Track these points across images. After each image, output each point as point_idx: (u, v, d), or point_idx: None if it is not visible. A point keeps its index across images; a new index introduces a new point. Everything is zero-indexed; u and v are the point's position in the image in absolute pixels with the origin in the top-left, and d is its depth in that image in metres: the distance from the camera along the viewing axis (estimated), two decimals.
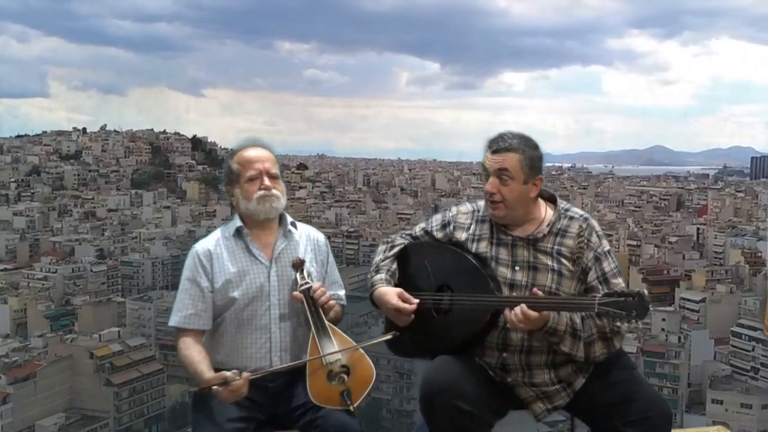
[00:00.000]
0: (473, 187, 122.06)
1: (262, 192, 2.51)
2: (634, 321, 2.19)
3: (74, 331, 61.90)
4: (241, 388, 2.30)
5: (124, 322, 66.38)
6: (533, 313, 2.24)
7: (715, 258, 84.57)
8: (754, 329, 57.80)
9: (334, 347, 2.41)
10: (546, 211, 2.47)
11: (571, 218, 2.45)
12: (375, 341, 2.50)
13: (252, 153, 2.57)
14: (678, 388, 52.72)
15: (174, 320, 2.52)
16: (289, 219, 2.64)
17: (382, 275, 2.55)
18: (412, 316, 2.47)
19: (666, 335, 57.75)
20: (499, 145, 2.39)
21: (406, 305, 2.44)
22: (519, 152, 2.38)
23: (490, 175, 2.39)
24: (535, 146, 2.42)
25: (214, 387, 2.29)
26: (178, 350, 2.50)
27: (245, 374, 2.31)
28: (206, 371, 2.38)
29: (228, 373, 2.29)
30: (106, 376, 53.65)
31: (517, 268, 2.41)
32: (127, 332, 61.51)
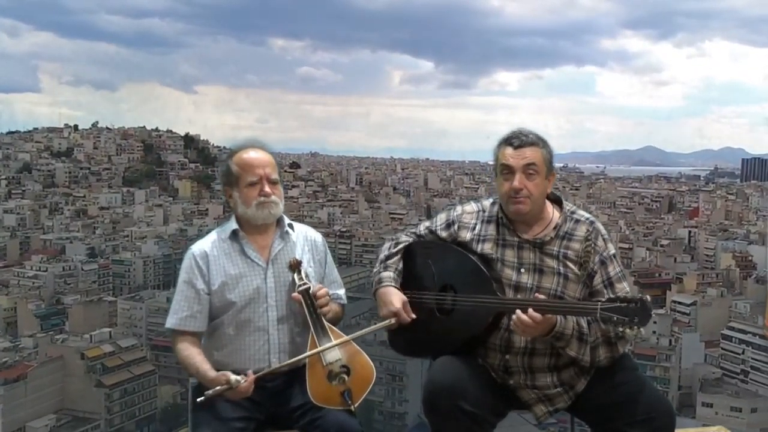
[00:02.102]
0: (465, 187, 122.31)
1: (261, 198, 2.49)
2: (636, 327, 2.17)
3: (65, 330, 61.58)
4: (248, 390, 2.31)
5: (115, 321, 66.10)
6: (538, 315, 2.23)
7: (707, 261, 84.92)
8: (745, 332, 58.13)
9: (334, 347, 2.41)
10: (553, 213, 2.46)
11: (577, 221, 2.44)
12: (376, 328, 2.51)
13: (253, 156, 2.54)
14: (668, 391, 52.82)
15: (170, 322, 2.51)
16: (287, 220, 2.62)
17: (390, 273, 2.55)
18: (398, 324, 2.47)
19: (657, 338, 57.85)
20: (521, 140, 2.38)
21: (405, 315, 2.46)
22: (540, 146, 2.39)
23: (516, 171, 2.36)
24: (547, 142, 2.43)
25: (218, 389, 2.29)
26: (176, 352, 2.49)
27: (250, 374, 2.32)
28: (209, 370, 2.38)
29: (232, 377, 2.29)
30: (97, 377, 53.41)
31: (522, 270, 2.40)
32: (118, 332, 61.20)
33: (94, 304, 66.40)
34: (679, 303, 67.29)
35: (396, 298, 2.47)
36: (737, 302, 64.94)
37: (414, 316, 2.46)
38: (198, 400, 2.30)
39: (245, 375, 2.32)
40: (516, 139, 2.38)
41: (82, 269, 77.20)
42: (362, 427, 2.39)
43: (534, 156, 2.36)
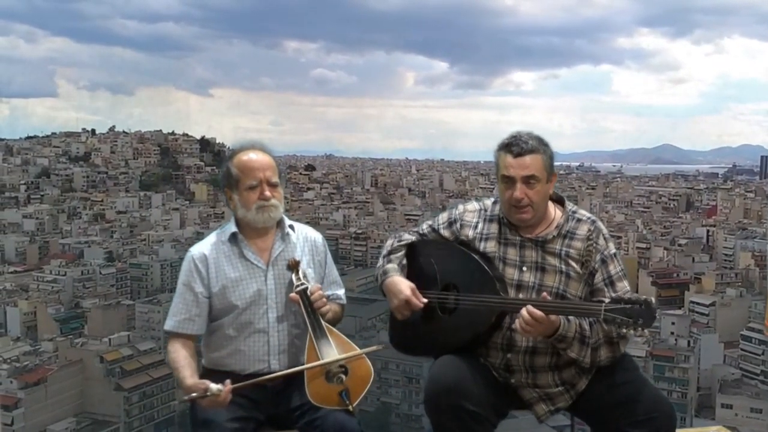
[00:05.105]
0: (481, 188, 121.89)
1: (261, 202, 2.50)
2: (640, 328, 2.18)
3: (84, 334, 62.09)
4: (225, 401, 2.29)
5: (134, 325, 66.51)
6: (540, 313, 2.23)
7: (725, 261, 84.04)
8: (762, 332, 57.42)
9: (332, 348, 2.40)
10: (555, 212, 2.47)
11: (579, 220, 2.45)
12: (367, 351, 2.46)
13: (253, 159, 2.54)
14: (687, 392, 52.44)
15: (168, 324, 2.52)
16: (287, 222, 2.62)
17: (395, 265, 2.56)
18: (411, 313, 2.47)
19: (675, 339, 57.39)
20: (521, 148, 2.36)
21: (416, 300, 2.45)
22: (541, 153, 2.38)
23: (517, 181, 2.36)
24: (547, 144, 2.42)
25: (193, 395, 2.29)
26: (167, 353, 2.51)
27: (228, 385, 2.30)
28: (188, 377, 2.37)
29: (212, 386, 2.27)
30: (116, 380, 53.72)
31: (524, 268, 2.40)
32: (136, 335, 61.61)
33: (112, 308, 66.96)
34: (698, 303, 66.58)
35: (404, 285, 2.48)
36: (757, 302, 64.15)
37: (425, 300, 2.46)
38: (178, 401, 2.31)
39: (223, 385, 2.29)
40: (516, 147, 2.36)
41: (101, 273, 77.68)
42: (362, 427, 2.39)
43: (534, 165, 2.35)
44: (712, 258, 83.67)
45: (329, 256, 2.73)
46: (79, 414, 53.00)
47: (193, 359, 2.46)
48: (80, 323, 66.12)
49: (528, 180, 2.35)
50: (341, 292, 2.72)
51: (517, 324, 2.28)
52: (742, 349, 60.17)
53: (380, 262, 2.62)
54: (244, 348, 2.51)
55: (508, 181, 2.37)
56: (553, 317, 2.25)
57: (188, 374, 2.38)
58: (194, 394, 2.28)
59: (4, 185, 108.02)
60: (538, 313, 2.23)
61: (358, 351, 2.43)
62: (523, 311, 2.25)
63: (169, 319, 2.52)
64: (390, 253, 2.61)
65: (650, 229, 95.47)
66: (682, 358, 54.26)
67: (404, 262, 2.59)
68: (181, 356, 2.45)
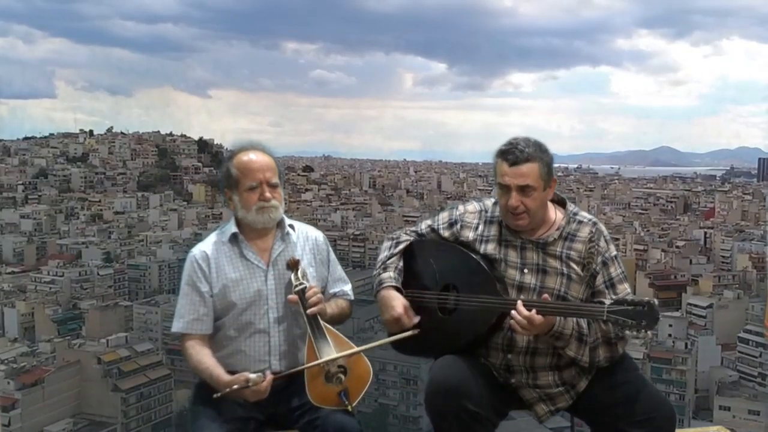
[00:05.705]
0: (479, 189, 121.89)
1: (261, 203, 2.49)
2: (643, 330, 2.17)
3: (81, 335, 62.01)
4: (266, 390, 2.31)
5: (131, 326, 66.41)
6: (538, 317, 2.22)
7: (723, 263, 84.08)
8: (762, 335, 57.43)
9: (331, 348, 2.39)
10: (556, 215, 2.45)
11: (580, 222, 2.43)
12: (399, 337, 2.46)
13: (253, 160, 2.52)
14: (685, 394, 52.48)
15: (177, 326, 2.51)
16: (288, 221, 2.62)
17: (390, 273, 2.53)
18: (401, 329, 2.46)
19: (673, 341, 57.41)
20: (517, 156, 2.33)
21: (406, 320, 2.44)
22: (537, 161, 2.33)
23: (512, 189, 2.33)
24: (546, 150, 2.38)
25: (235, 387, 2.29)
26: (187, 356, 2.49)
27: (268, 374, 2.33)
28: (223, 374, 2.38)
29: (252, 375, 2.30)
30: (114, 381, 53.66)
31: (525, 270, 2.39)
32: (134, 336, 61.53)
33: (110, 309, 66.84)
34: (695, 306, 66.65)
35: (398, 302, 2.45)
36: (754, 304, 64.19)
37: (417, 319, 2.45)
38: (215, 396, 2.30)
39: (263, 373, 2.32)
40: (511, 155, 2.33)
41: (98, 274, 77.61)
42: (362, 427, 2.39)
43: (530, 173, 2.32)
44: (710, 260, 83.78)
45: (332, 253, 2.71)
46: (77, 415, 52.91)
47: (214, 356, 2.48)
48: (78, 324, 66.02)
49: (523, 189, 2.33)
50: (348, 287, 2.71)
51: (511, 323, 2.28)
52: (739, 351, 60.21)
53: (377, 269, 2.59)
54: (245, 348, 2.51)
55: (504, 188, 2.36)
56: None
57: (221, 371, 2.40)
58: (235, 387, 2.28)
59: (2, 185, 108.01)
60: (537, 317, 2.23)
61: (356, 348, 2.43)
62: (513, 312, 2.25)
63: (176, 321, 2.51)
64: (387, 258, 2.58)
65: (648, 230, 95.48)
66: (679, 360, 54.34)
67: (401, 265, 2.57)
68: (205, 356, 2.46)
